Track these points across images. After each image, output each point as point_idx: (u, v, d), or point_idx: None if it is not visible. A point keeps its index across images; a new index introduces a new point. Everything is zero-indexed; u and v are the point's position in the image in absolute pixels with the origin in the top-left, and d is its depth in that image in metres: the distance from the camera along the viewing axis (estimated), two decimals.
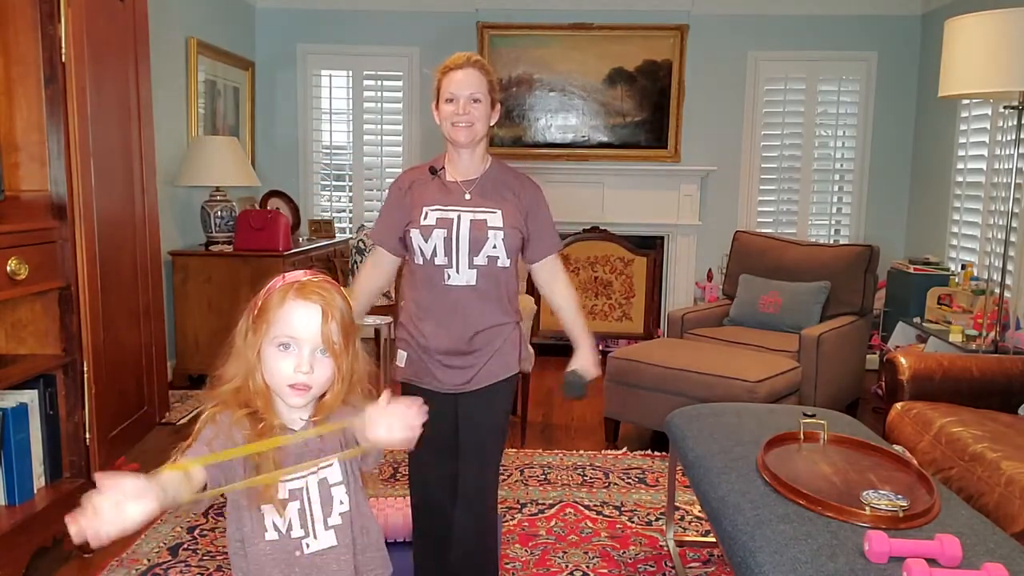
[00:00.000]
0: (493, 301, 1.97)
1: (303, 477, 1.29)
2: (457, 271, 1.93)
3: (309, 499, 1.30)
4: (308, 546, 1.30)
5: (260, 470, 1.23)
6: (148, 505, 1.04)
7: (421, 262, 1.95)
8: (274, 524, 1.29)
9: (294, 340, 1.24)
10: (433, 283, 1.95)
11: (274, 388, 1.27)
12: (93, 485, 1.02)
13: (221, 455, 1.19)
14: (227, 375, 1.29)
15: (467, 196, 1.96)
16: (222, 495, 1.24)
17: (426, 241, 1.92)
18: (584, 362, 2.06)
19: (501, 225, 1.94)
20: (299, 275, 1.31)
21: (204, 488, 1.20)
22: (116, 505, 1.02)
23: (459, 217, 1.93)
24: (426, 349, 1.98)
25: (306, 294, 1.26)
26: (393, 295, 4.47)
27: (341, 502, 1.32)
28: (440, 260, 1.93)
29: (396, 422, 1.19)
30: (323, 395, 1.30)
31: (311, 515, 1.30)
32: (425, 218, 1.93)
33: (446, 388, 1.98)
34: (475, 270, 1.93)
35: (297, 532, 1.30)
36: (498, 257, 1.94)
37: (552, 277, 2.07)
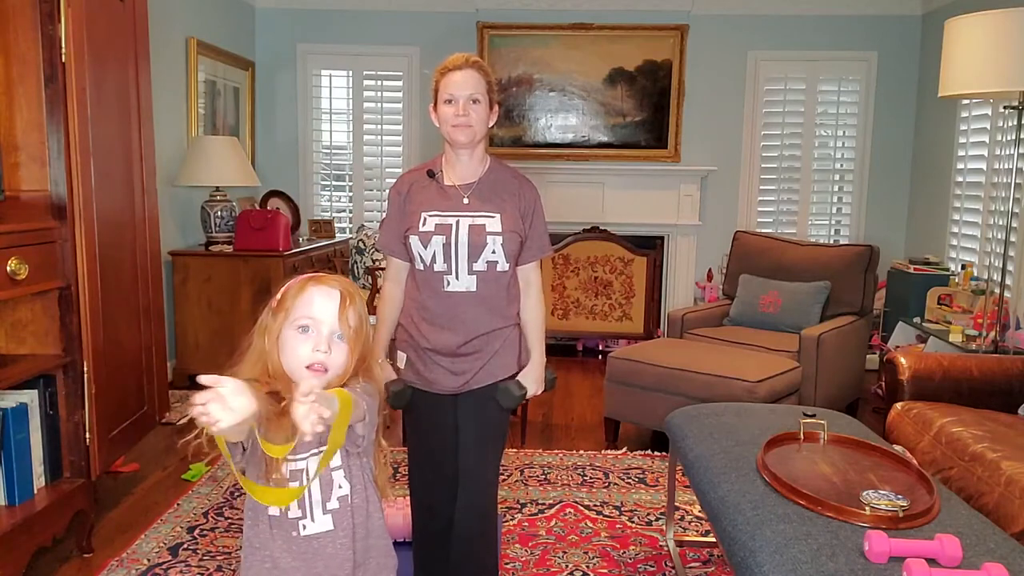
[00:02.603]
0: (493, 306, 1.97)
1: (304, 459, 1.31)
2: (457, 277, 1.93)
3: (308, 480, 1.32)
4: (305, 527, 1.33)
5: (269, 457, 1.27)
6: (251, 402, 1.11)
7: (421, 268, 1.95)
8: None
9: (313, 321, 1.29)
10: (433, 289, 1.95)
11: (291, 372, 1.30)
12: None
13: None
14: (243, 374, 1.32)
15: (465, 200, 1.96)
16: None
17: (425, 247, 1.92)
18: (527, 375, 2.03)
19: (500, 230, 1.93)
20: (315, 273, 1.37)
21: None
22: (223, 401, 1.09)
23: (457, 223, 1.92)
24: (426, 351, 1.98)
25: (326, 281, 1.32)
26: None
27: (340, 486, 1.35)
28: (439, 267, 1.92)
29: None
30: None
31: (309, 497, 1.33)
32: (424, 224, 1.93)
33: (445, 390, 1.98)
34: (475, 276, 1.93)
35: (294, 513, 1.32)
36: (497, 262, 1.94)
37: (527, 284, 2.04)
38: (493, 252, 1.92)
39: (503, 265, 1.95)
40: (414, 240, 1.93)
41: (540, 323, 2.06)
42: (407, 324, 2.02)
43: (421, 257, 1.93)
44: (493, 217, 1.94)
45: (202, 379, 1.09)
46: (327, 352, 1.28)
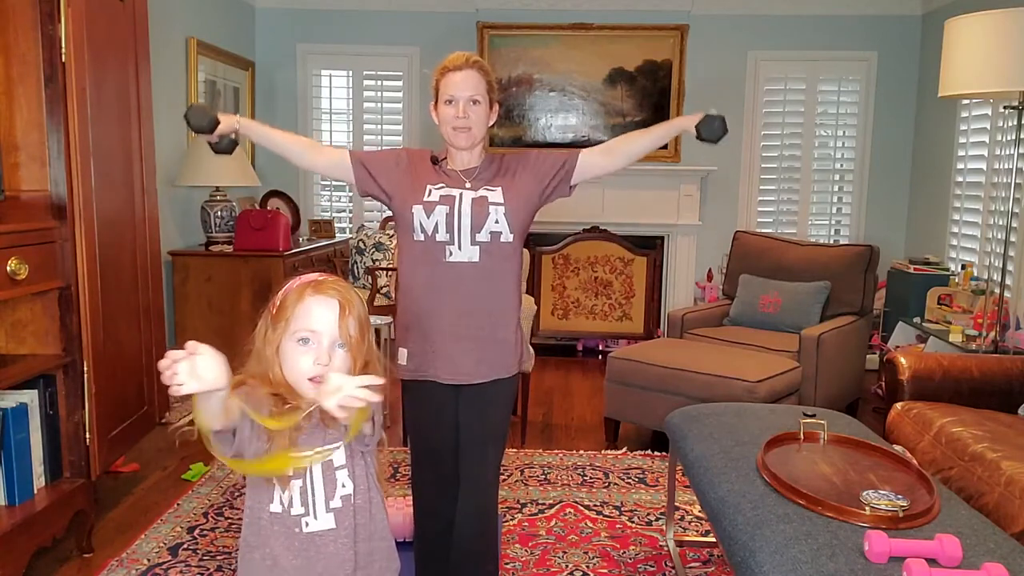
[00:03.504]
0: (496, 279, 1.96)
1: (307, 456, 1.31)
2: (459, 247, 1.92)
3: (312, 478, 1.33)
4: (307, 524, 1.33)
5: (278, 446, 1.28)
6: (221, 377, 1.10)
7: (422, 238, 1.94)
8: (279, 498, 1.32)
9: (313, 334, 1.29)
10: (434, 260, 1.94)
11: (292, 382, 1.30)
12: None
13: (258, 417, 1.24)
14: (246, 376, 1.33)
15: (468, 185, 1.97)
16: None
17: (428, 217, 1.92)
18: (697, 117, 1.97)
19: (502, 201, 1.94)
20: (314, 275, 1.36)
21: (235, 434, 1.25)
22: (192, 366, 1.08)
23: (461, 195, 1.94)
24: (428, 334, 1.96)
25: (324, 290, 1.31)
26: (393, 295, 4.48)
27: (343, 485, 1.35)
28: (442, 236, 1.92)
29: (340, 391, 1.19)
30: None
31: (312, 494, 1.33)
32: (428, 195, 1.94)
33: (448, 379, 1.97)
34: (477, 247, 1.93)
35: (297, 509, 1.33)
36: (501, 232, 1.94)
37: (604, 150, 2.06)
38: (496, 222, 1.93)
39: (507, 236, 1.95)
40: (417, 210, 1.93)
41: (640, 131, 2.08)
42: (408, 306, 2.00)
43: (423, 226, 1.93)
44: (495, 190, 1.95)
45: (188, 345, 1.10)
46: (328, 364, 1.28)
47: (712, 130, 1.95)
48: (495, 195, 1.94)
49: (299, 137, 2.07)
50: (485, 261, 1.94)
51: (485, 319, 1.96)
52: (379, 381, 1.21)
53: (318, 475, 1.33)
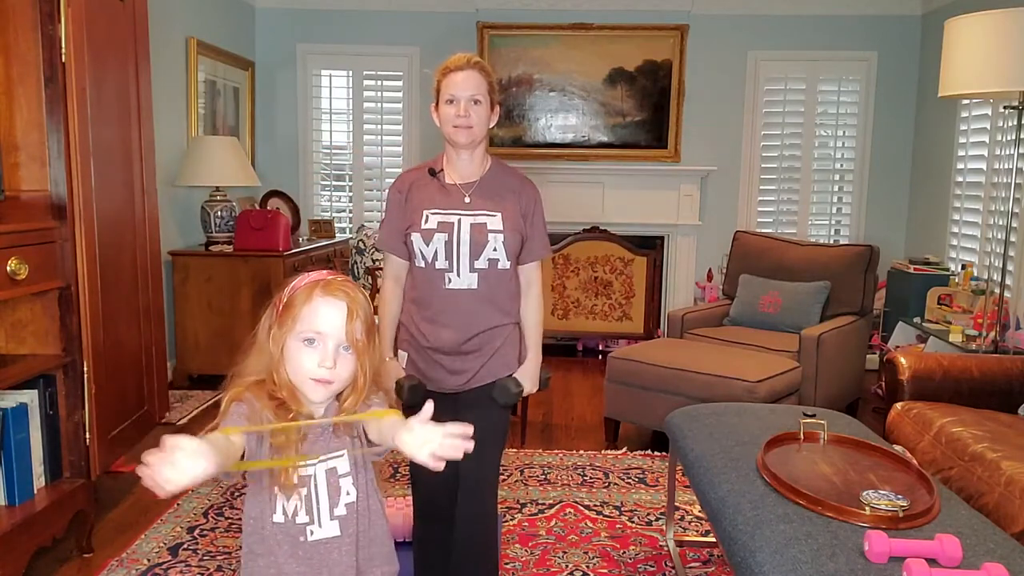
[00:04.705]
0: (494, 303, 1.97)
1: (312, 465, 1.31)
2: (458, 274, 1.93)
3: (316, 487, 1.32)
4: (312, 533, 1.32)
5: (282, 454, 1.28)
6: (204, 465, 1.05)
7: (422, 265, 1.95)
8: (282, 507, 1.31)
9: (319, 335, 1.28)
10: (434, 286, 1.95)
11: (296, 382, 1.30)
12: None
13: (261, 427, 1.24)
14: (248, 370, 1.32)
15: (467, 199, 1.96)
16: (244, 472, 1.28)
17: (427, 245, 1.92)
18: (524, 374, 2.05)
19: (501, 228, 1.93)
20: (322, 274, 1.34)
21: (242, 457, 1.24)
22: (173, 464, 1.02)
23: (459, 221, 1.92)
24: (426, 350, 1.98)
25: (332, 291, 1.30)
26: None
27: (348, 493, 1.34)
28: (441, 264, 1.93)
29: (430, 443, 1.18)
30: (340, 393, 1.34)
31: (317, 503, 1.32)
32: (426, 222, 1.93)
33: (447, 389, 1.98)
34: (476, 273, 1.93)
35: (302, 518, 1.32)
36: (499, 260, 1.94)
37: (528, 284, 2.05)
38: (495, 250, 1.93)
39: (504, 263, 1.95)
40: (416, 237, 1.93)
41: (538, 323, 2.07)
42: (407, 323, 2.02)
43: (422, 254, 1.93)
44: (494, 216, 1.94)
45: (163, 441, 1.04)
46: (332, 367, 1.27)
47: (503, 397, 2.00)
48: (494, 221, 1.94)
49: (383, 310, 2.02)
50: (483, 288, 1.94)
51: (483, 337, 1.97)
52: (468, 430, 1.19)
53: (322, 482, 1.32)
